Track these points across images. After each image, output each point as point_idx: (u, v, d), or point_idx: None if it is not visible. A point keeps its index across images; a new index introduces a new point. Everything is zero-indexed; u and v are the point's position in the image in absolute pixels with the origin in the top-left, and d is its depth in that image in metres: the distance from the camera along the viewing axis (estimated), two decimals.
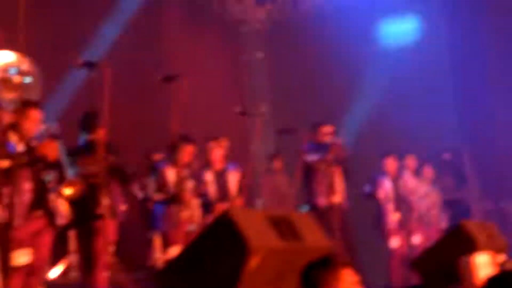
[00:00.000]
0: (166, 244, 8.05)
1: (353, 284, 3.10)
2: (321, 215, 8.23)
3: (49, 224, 5.80)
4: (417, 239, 9.63)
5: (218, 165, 8.41)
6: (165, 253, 8.14)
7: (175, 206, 7.59)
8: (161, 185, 7.93)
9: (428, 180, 10.55)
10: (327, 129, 8.92)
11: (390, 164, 9.78)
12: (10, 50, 5.95)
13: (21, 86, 6.14)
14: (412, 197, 9.82)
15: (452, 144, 12.20)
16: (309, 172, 8.70)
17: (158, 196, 7.91)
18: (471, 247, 6.06)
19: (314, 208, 8.66)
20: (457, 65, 12.88)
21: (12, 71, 6.05)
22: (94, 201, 5.87)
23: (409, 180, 9.94)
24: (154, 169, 8.12)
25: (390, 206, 9.48)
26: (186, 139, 7.71)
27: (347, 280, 3.09)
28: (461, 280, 5.66)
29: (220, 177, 8.24)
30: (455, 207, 11.09)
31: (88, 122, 6.40)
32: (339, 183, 8.80)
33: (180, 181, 7.10)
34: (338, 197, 8.75)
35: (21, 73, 6.10)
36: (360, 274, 3.41)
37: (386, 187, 9.54)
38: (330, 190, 8.72)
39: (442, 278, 5.82)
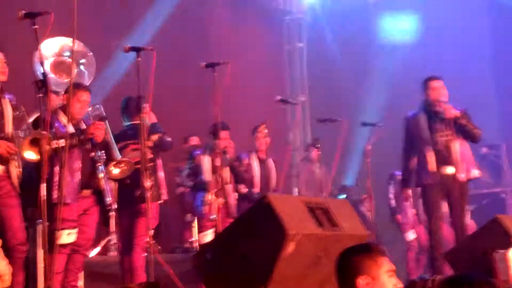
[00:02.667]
0: (200, 228, 8.15)
1: (389, 272, 3.11)
2: (428, 190, 7.31)
3: (96, 204, 5.95)
4: None
5: (262, 154, 8.49)
6: (199, 237, 8.24)
7: (209, 192, 7.64)
8: (195, 172, 7.98)
9: None
10: (438, 83, 7.42)
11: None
12: (62, 35, 6.07)
13: (74, 70, 6.27)
14: None
15: (491, 138, 12.20)
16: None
17: (190, 183, 7.96)
18: (506, 241, 6.08)
19: (419, 182, 7.42)
20: (498, 60, 12.89)
21: (66, 55, 6.17)
22: (137, 184, 5.97)
23: None
24: (190, 155, 8.17)
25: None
26: (222, 125, 7.77)
27: (385, 267, 3.08)
28: (495, 274, 5.68)
29: (263, 165, 8.29)
30: (491, 200, 11.12)
31: (130, 107, 6.51)
32: (456, 150, 7.22)
33: (215, 168, 7.20)
34: (453, 168, 7.21)
35: (75, 57, 6.22)
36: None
37: None
38: (443, 159, 7.24)
39: (475, 271, 5.84)
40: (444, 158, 7.24)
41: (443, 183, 7.23)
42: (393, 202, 10.10)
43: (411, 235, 9.62)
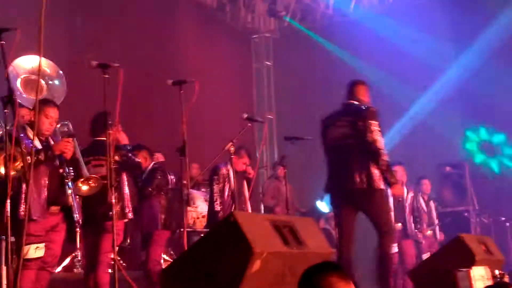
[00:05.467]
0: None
1: None
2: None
3: (64, 221, 5.91)
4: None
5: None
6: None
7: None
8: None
9: (424, 193, 10.72)
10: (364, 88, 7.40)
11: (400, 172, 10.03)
12: (31, 53, 6.04)
13: (45, 89, 6.25)
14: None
15: (454, 157, 12.39)
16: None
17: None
18: (469, 260, 6.18)
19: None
20: (463, 80, 13.11)
21: (37, 73, 6.13)
22: (103, 201, 5.93)
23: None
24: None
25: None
26: (138, 147, 7.85)
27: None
28: None
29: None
30: (454, 219, 11.25)
31: (98, 123, 6.50)
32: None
33: None
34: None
35: (46, 76, 6.20)
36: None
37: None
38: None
39: None
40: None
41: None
42: None
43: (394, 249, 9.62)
